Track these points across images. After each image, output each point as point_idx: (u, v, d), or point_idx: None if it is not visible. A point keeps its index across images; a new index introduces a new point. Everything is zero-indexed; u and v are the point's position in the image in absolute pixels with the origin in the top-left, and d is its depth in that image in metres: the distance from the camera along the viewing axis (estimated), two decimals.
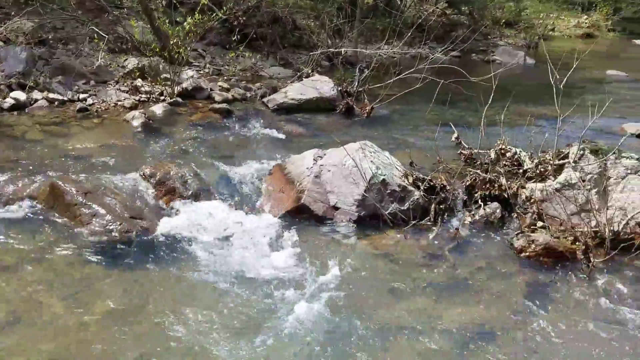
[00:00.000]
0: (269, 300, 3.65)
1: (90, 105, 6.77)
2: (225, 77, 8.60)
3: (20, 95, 6.53)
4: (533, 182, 4.94)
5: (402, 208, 4.74)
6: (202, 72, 8.70)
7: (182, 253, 4.08)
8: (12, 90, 6.65)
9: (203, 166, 5.26)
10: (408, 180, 4.97)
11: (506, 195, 4.86)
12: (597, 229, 4.41)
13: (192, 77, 7.94)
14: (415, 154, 5.57)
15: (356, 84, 8.16)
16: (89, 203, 4.31)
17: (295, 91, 7.76)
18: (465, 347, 3.38)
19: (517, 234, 4.52)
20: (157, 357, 3.08)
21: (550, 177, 4.88)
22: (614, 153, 4.71)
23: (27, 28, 7.74)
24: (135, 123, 6.33)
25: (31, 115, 6.33)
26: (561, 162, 4.91)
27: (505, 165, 5.24)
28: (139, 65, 7.74)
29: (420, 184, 4.93)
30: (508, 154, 5.36)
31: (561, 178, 4.73)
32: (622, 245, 4.18)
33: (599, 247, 4.33)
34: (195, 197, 4.70)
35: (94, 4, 8.93)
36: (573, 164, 4.74)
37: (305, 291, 3.74)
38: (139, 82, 7.51)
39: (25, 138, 5.73)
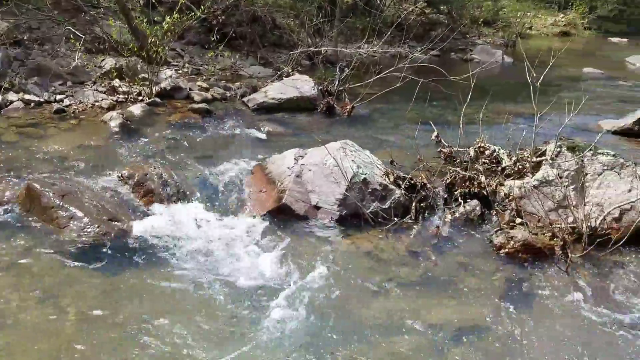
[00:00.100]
0: (249, 302, 3.63)
1: (67, 106, 6.66)
2: (204, 77, 8.53)
3: None
4: (511, 179, 5.00)
5: (384, 207, 4.76)
6: (180, 71, 8.62)
7: (161, 255, 4.04)
8: None
9: (182, 167, 5.21)
10: (389, 179, 4.99)
11: (485, 193, 4.91)
12: (575, 225, 4.47)
13: (170, 76, 7.87)
14: (395, 152, 5.59)
15: (337, 83, 8.16)
16: (66, 206, 4.25)
17: (276, 90, 7.74)
18: (446, 344, 3.40)
19: (496, 231, 4.57)
20: None
21: (528, 174, 4.94)
22: (590, 150, 4.78)
23: (1, 28, 7.57)
24: (113, 124, 6.25)
25: (6, 117, 6.20)
26: (539, 159, 4.97)
27: (484, 163, 5.29)
28: (117, 66, 7.63)
29: (401, 182, 4.95)
30: (487, 152, 5.41)
31: (539, 175, 4.80)
32: (599, 240, 4.24)
33: (576, 242, 4.39)
34: (174, 198, 4.66)
35: (70, 3, 8.78)
36: (550, 161, 4.81)
37: (286, 292, 3.72)
38: (116, 82, 7.42)
39: (1, 140, 5.61)
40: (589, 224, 4.41)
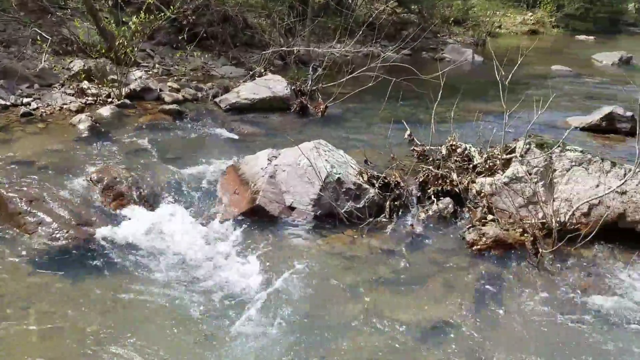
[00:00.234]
0: (222, 306, 3.59)
1: (34, 109, 6.51)
2: (175, 78, 8.43)
3: None
4: (483, 176, 5.06)
5: (358, 206, 4.78)
6: (151, 72, 8.50)
7: (132, 260, 3.97)
8: None
9: (153, 169, 5.14)
10: (363, 178, 5.01)
11: (458, 190, 4.97)
12: (544, 221, 4.55)
13: (140, 77, 7.76)
14: (369, 151, 5.62)
15: (310, 82, 8.15)
16: (34, 211, 4.16)
17: (248, 91, 7.69)
18: (420, 341, 3.43)
19: (468, 228, 4.62)
20: None
21: (499, 171, 5.02)
22: (558, 146, 4.87)
23: None
24: (82, 127, 6.13)
25: None
26: (509, 156, 5.05)
27: (456, 160, 5.35)
28: (85, 67, 7.50)
29: (375, 181, 4.97)
30: (459, 150, 5.48)
31: (509, 172, 4.87)
32: (568, 235, 4.31)
33: (546, 237, 4.47)
34: (145, 201, 4.59)
35: (36, 4, 8.59)
36: (520, 158, 4.88)
37: (259, 294, 3.71)
38: (85, 84, 7.28)
39: None
40: (558, 219, 4.49)
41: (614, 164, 4.75)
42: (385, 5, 14.31)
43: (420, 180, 5.13)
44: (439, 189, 5.02)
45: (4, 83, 6.83)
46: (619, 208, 4.55)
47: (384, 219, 4.78)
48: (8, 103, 6.52)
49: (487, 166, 5.16)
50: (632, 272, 4.21)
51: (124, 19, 8.07)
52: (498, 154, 5.16)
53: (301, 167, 4.84)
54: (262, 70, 8.77)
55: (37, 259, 3.84)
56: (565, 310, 3.80)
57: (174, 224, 4.38)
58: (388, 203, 4.86)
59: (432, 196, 4.98)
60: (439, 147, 5.57)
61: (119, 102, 6.98)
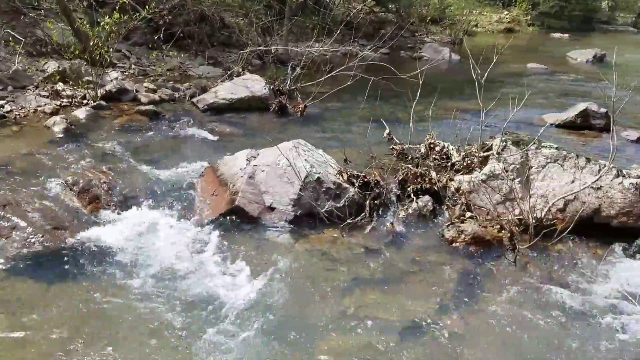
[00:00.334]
0: (202, 308, 3.55)
1: (7, 112, 6.36)
2: (151, 78, 8.34)
3: None
4: (461, 174, 5.11)
5: (338, 205, 4.77)
6: (127, 73, 8.39)
7: (108, 264, 3.90)
8: None
9: (130, 171, 5.07)
10: (343, 178, 5.01)
11: (436, 188, 5.00)
12: (521, 217, 4.61)
13: (116, 78, 7.66)
14: (349, 151, 5.62)
15: (288, 82, 8.13)
16: (8, 215, 4.07)
17: (226, 90, 7.64)
18: (401, 340, 3.44)
19: (447, 225, 4.66)
20: None
21: (477, 168, 5.07)
22: (534, 143, 4.93)
23: None
24: (57, 129, 6.02)
25: None
26: (486, 154, 5.10)
27: (434, 159, 5.39)
28: (60, 69, 7.38)
29: (354, 180, 4.98)
30: (437, 148, 5.52)
31: (486, 169, 4.92)
32: (544, 231, 4.38)
33: (523, 233, 4.53)
34: (122, 204, 4.53)
35: (9, 5, 8.42)
36: (497, 156, 4.94)
37: (239, 296, 3.68)
38: (60, 86, 7.16)
39: None
40: (534, 215, 4.55)
41: (588, 160, 4.83)
42: (363, 4, 14.34)
43: (400, 178, 5.15)
44: (418, 187, 5.05)
45: None
46: (594, 203, 4.63)
47: (364, 218, 4.78)
48: None
49: (465, 164, 5.21)
50: (608, 266, 4.29)
51: (98, 20, 7.94)
52: (475, 152, 5.21)
53: (280, 167, 4.82)
54: (240, 69, 8.73)
55: (11, 264, 3.76)
56: (542, 305, 3.85)
57: (151, 227, 4.32)
58: (368, 202, 4.87)
59: (412, 194, 5.01)
60: (418, 146, 5.61)
61: (95, 103, 6.88)
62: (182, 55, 9.59)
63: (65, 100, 6.97)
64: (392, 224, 4.75)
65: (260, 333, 3.38)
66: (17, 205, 4.20)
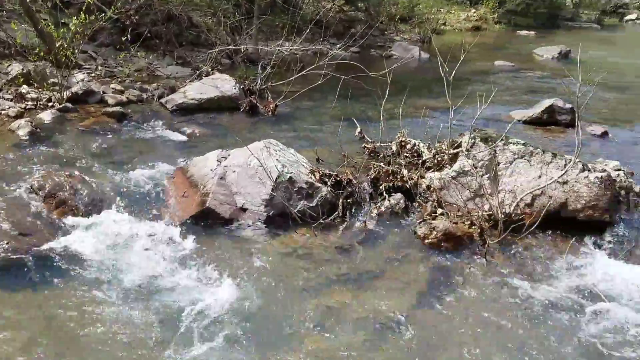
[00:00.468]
0: (174, 313, 3.50)
1: None
2: (118, 79, 8.19)
3: None
4: (432, 171, 5.16)
5: (311, 205, 4.77)
6: (93, 74, 8.23)
7: (76, 270, 3.81)
8: None
9: (98, 174, 4.97)
10: (315, 177, 5.00)
11: (408, 186, 5.04)
12: (491, 212, 4.68)
13: (82, 80, 7.51)
14: (320, 150, 5.63)
15: (259, 81, 8.07)
16: None
17: (195, 90, 7.55)
18: (376, 337, 3.46)
19: (419, 222, 4.69)
20: None
21: (447, 165, 5.12)
22: (502, 140, 5.01)
23: None
24: (22, 132, 5.86)
25: None
26: (455, 151, 5.16)
27: (406, 156, 5.43)
28: (24, 71, 7.20)
29: (327, 179, 4.98)
30: (408, 146, 5.56)
31: (456, 166, 4.98)
32: (513, 226, 4.46)
33: (493, 229, 4.60)
34: (90, 208, 4.42)
35: None
36: (466, 152, 5.00)
37: (212, 298, 3.64)
38: (24, 88, 6.98)
39: None
40: (503, 210, 4.62)
41: (554, 155, 4.93)
42: (332, 3, 14.36)
43: (372, 177, 5.18)
44: (390, 185, 5.08)
45: None
46: (560, 198, 4.72)
47: (337, 217, 4.79)
48: None
49: (435, 161, 5.26)
50: (574, 258, 4.39)
51: (63, 20, 7.77)
52: (445, 149, 5.27)
53: (252, 167, 4.79)
54: (209, 69, 8.64)
55: None
56: (510, 299, 3.91)
57: (120, 231, 4.24)
58: (341, 201, 4.88)
59: (384, 192, 5.04)
60: (389, 144, 5.65)
61: (61, 106, 6.73)
62: (150, 55, 9.44)
63: (30, 103, 6.81)
64: (365, 222, 4.76)
65: (235, 336, 3.35)
66: None
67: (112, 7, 7.47)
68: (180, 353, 3.18)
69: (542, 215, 4.54)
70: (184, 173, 5.03)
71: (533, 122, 7.60)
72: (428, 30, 16.46)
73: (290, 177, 4.78)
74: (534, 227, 4.47)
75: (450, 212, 4.79)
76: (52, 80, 7.12)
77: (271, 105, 7.50)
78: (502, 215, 4.57)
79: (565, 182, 4.73)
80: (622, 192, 4.99)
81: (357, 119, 6.43)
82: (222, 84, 7.69)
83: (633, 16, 27.40)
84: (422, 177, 5.11)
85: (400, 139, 5.60)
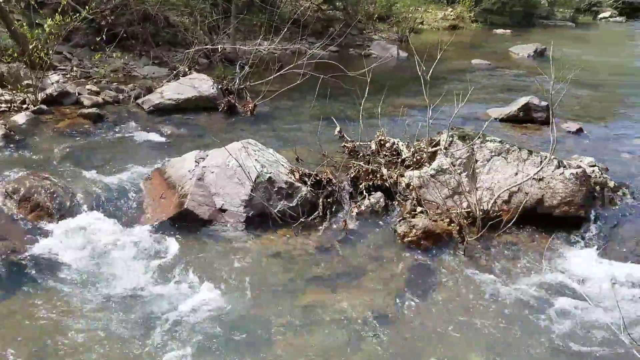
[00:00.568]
0: (153, 316, 3.47)
1: None
2: (94, 80, 8.06)
3: None
4: (411, 169, 5.19)
5: (291, 205, 4.76)
6: (69, 76, 8.09)
7: (52, 275, 3.75)
8: None
9: (73, 177, 4.89)
10: (295, 177, 4.99)
11: (388, 184, 5.06)
12: (469, 210, 4.73)
13: (57, 82, 7.37)
14: (300, 149, 5.62)
15: (237, 81, 8.02)
16: None
17: (172, 91, 7.48)
18: (357, 335, 3.47)
19: (399, 221, 4.72)
20: None
21: (426, 164, 5.16)
22: (479, 138, 5.06)
23: None
24: None
25: None
26: (434, 149, 5.20)
27: (385, 155, 5.45)
28: None
29: (307, 179, 4.97)
30: (387, 145, 5.58)
31: (435, 164, 5.02)
32: (491, 222, 4.51)
33: (471, 226, 4.65)
34: (66, 211, 4.35)
35: None
36: (444, 151, 5.04)
37: (192, 301, 3.62)
38: None
39: None
40: (481, 207, 4.68)
41: (530, 152, 5.00)
42: (310, 2, 14.34)
43: (352, 176, 5.19)
44: (370, 183, 5.10)
45: None
46: (537, 194, 4.79)
47: (318, 217, 4.79)
48: None
49: (414, 159, 5.29)
50: (550, 254, 4.45)
51: (37, 21, 7.63)
52: (424, 147, 5.31)
53: (230, 167, 4.77)
54: (187, 69, 8.55)
55: None
56: (489, 296, 3.96)
57: (96, 234, 4.19)
58: (321, 200, 4.88)
59: (364, 191, 5.05)
60: (369, 143, 5.66)
61: (35, 108, 6.60)
62: (126, 55, 9.30)
63: (3, 105, 6.67)
64: (345, 221, 4.77)
65: (213, 339, 3.33)
66: None
67: (87, 7, 7.35)
68: (158, 356, 3.15)
69: (519, 212, 4.60)
70: (161, 174, 4.98)
71: (510, 119, 7.67)
72: (406, 29, 16.52)
73: (270, 177, 4.76)
74: (511, 223, 4.53)
75: (430, 210, 4.83)
76: (26, 81, 6.99)
77: (250, 105, 7.46)
78: (480, 213, 4.62)
79: (541, 179, 4.80)
80: (597, 187, 5.08)
81: (336, 119, 6.43)
82: (200, 84, 7.63)
83: (606, 14, 27.88)
84: (402, 175, 5.14)
85: (380, 138, 5.62)
